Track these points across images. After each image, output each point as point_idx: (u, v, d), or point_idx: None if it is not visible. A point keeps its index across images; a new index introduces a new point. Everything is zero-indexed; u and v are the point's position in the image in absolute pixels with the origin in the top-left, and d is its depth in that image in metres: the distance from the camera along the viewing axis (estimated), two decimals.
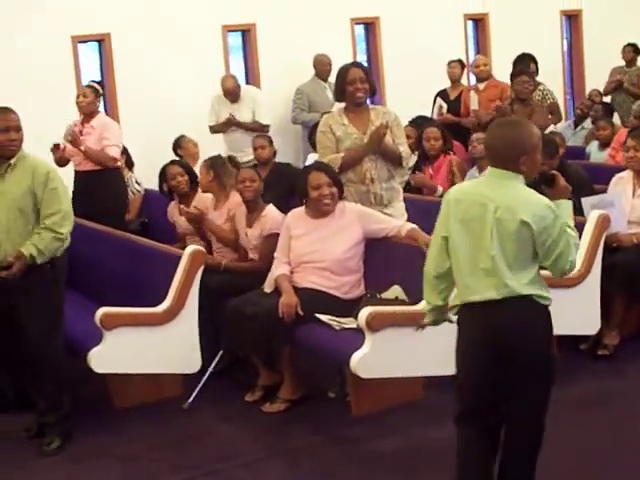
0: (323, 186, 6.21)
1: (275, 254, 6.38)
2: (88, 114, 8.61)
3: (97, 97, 8.73)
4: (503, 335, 4.08)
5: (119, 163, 8.84)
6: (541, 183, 4.25)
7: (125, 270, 6.91)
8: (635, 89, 12.50)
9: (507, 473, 4.31)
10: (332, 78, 11.04)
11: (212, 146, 9.73)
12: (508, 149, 4.10)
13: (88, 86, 8.88)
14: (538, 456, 4.31)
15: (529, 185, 4.14)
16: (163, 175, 7.98)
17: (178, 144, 9.86)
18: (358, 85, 6.57)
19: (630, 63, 12.85)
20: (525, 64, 10.66)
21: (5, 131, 5.58)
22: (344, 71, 6.65)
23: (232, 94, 10.41)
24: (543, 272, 4.17)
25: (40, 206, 5.56)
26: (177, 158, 9.16)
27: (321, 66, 11.58)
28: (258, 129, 10.04)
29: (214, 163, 7.47)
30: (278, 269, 6.27)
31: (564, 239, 4.03)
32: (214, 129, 10.54)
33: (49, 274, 5.62)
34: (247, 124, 10.26)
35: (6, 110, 5.68)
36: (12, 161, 5.61)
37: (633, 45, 12.92)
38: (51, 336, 5.67)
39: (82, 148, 8.39)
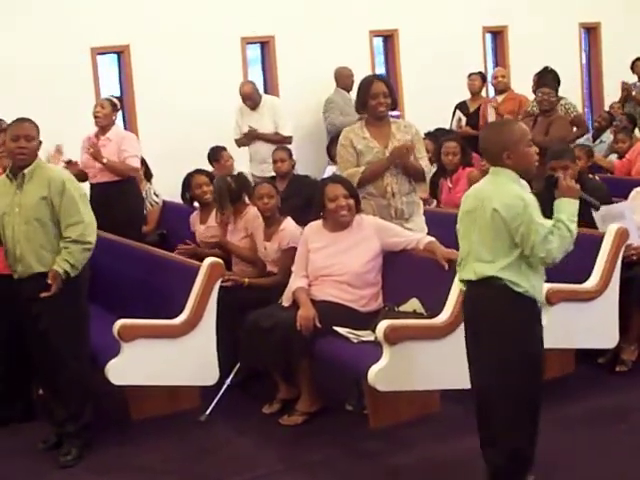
0: (340, 198, 6.22)
1: (292, 267, 6.38)
2: (104, 127, 8.64)
3: (115, 111, 8.76)
4: (471, 311, 4.63)
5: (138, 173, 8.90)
6: (549, 186, 4.60)
7: (143, 282, 6.92)
8: None
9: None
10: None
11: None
12: (491, 147, 4.57)
13: (106, 99, 8.91)
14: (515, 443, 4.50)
15: (538, 191, 4.51)
16: (187, 183, 8.04)
17: (215, 155, 9.73)
18: (381, 99, 6.57)
19: None
20: (546, 78, 10.65)
21: (15, 139, 5.61)
22: (367, 84, 6.65)
23: (250, 99, 10.39)
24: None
25: (59, 216, 5.58)
26: (209, 168, 9.14)
27: (344, 78, 11.62)
28: (280, 141, 10.01)
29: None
30: (296, 282, 6.27)
31: (533, 229, 4.33)
32: (239, 142, 10.53)
33: (73, 284, 5.63)
34: (269, 135, 10.21)
35: (22, 120, 5.73)
36: (26, 171, 5.63)
37: None
38: (76, 346, 5.70)
39: (104, 161, 8.41)
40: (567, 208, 4.48)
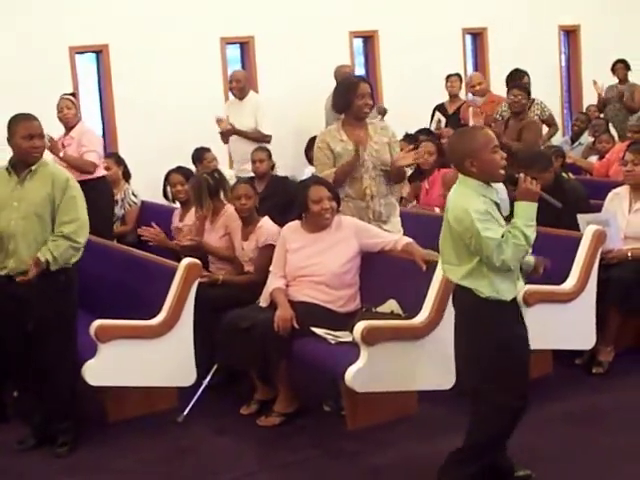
0: (324, 200, 6.22)
1: (270, 268, 6.38)
2: (73, 126, 8.66)
3: (77, 108, 8.80)
4: (455, 308, 4.75)
5: (103, 172, 8.87)
6: (509, 183, 4.70)
7: (121, 282, 6.91)
8: (630, 103, 12.57)
9: None
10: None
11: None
12: (455, 155, 4.62)
13: (67, 99, 8.90)
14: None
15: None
16: (167, 180, 8.09)
17: (199, 156, 9.75)
18: (367, 100, 6.58)
19: (623, 79, 12.95)
20: (516, 78, 10.70)
21: (29, 138, 5.64)
22: (354, 84, 6.67)
23: (239, 87, 10.31)
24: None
25: (57, 213, 5.62)
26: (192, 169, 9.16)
27: (343, 76, 11.57)
28: (259, 139, 9.97)
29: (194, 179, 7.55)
30: (273, 283, 6.27)
31: (483, 243, 4.38)
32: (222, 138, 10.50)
33: (63, 283, 5.67)
34: (248, 132, 10.16)
35: (29, 117, 5.76)
36: (33, 168, 5.67)
37: (623, 61, 13.02)
38: (65, 345, 5.72)
39: (60, 155, 8.44)
40: (525, 212, 4.49)
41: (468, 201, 4.46)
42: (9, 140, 5.73)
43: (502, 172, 4.55)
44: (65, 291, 5.73)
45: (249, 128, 10.07)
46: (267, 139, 9.99)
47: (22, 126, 5.68)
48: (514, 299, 4.63)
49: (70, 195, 5.66)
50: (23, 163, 5.69)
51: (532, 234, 4.48)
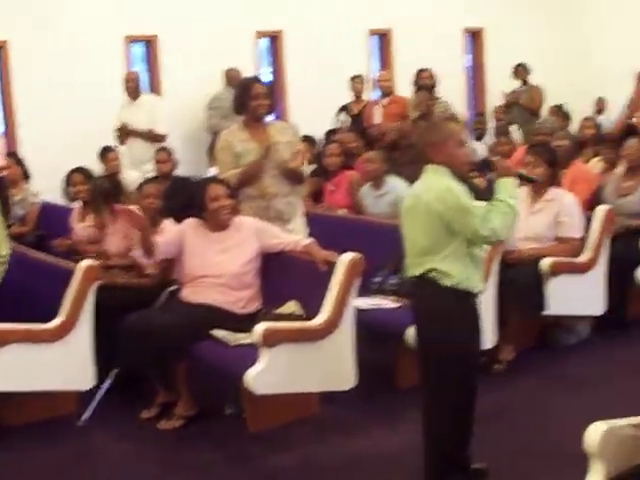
0: (221, 198, 6.20)
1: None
2: None
3: None
4: (415, 307, 4.80)
5: None
6: (484, 169, 4.89)
7: (17, 284, 6.74)
8: (530, 105, 12.77)
9: None
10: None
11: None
12: (422, 146, 4.72)
13: None
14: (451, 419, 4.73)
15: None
16: (68, 180, 7.99)
17: (102, 155, 9.73)
18: (262, 101, 6.58)
19: (524, 82, 13.15)
20: (421, 78, 10.79)
21: None
22: (247, 85, 6.68)
23: (132, 87, 10.25)
24: None
25: None
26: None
27: (232, 80, 11.57)
28: (154, 139, 9.90)
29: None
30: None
31: (469, 212, 4.46)
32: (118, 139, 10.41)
33: None
34: (142, 133, 10.08)
35: None
36: None
37: (524, 65, 13.23)
38: None
39: None
40: (506, 187, 4.62)
41: (446, 182, 4.56)
42: None
43: (466, 166, 4.74)
44: None
45: (144, 128, 10.01)
46: (161, 139, 9.92)
47: None
48: (476, 296, 4.70)
49: None
50: None
51: (517, 205, 4.62)
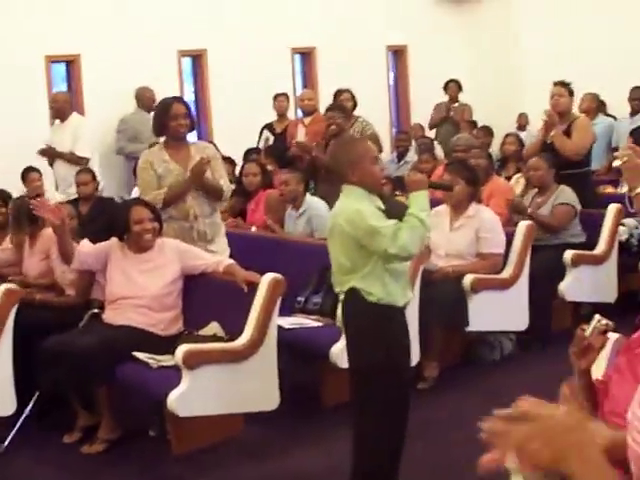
0: (145, 220, 6.17)
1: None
2: None
3: None
4: (343, 322, 4.77)
5: None
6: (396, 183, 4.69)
7: None
8: (461, 122, 12.89)
9: None
10: None
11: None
12: (337, 165, 4.77)
13: None
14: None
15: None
16: None
17: (23, 176, 9.59)
18: (181, 121, 6.56)
19: (454, 99, 13.27)
20: (336, 98, 10.80)
21: None
22: (167, 105, 6.64)
23: (56, 109, 10.18)
24: None
25: None
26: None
27: (144, 99, 11.52)
28: (74, 161, 9.83)
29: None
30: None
31: (377, 232, 4.49)
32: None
33: None
34: (65, 154, 10.00)
35: None
36: None
37: (456, 81, 13.34)
38: None
39: None
40: (417, 200, 4.65)
41: (356, 203, 4.59)
42: None
43: (382, 182, 4.77)
44: None
45: (67, 150, 9.93)
46: (83, 162, 9.81)
47: None
48: (403, 309, 4.73)
49: None
50: None
51: (427, 218, 4.64)
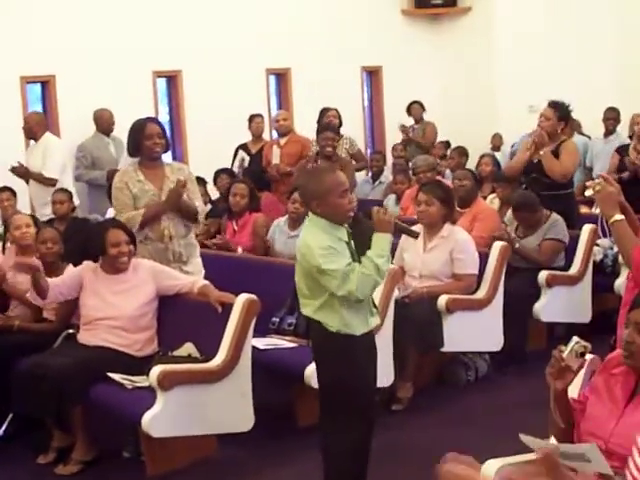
0: (122, 244, 6.17)
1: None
2: None
3: None
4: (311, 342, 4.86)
5: None
6: (365, 217, 4.75)
7: None
8: (420, 140, 13.00)
9: None
10: (115, 132, 11.10)
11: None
12: (304, 195, 4.91)
13: None
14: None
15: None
16: None
17: None
18: (156, 140, 6.56)
19: (418, 119, 13.39)
20: (324, 117, 10.85)
21: None
22: (141, 126, 6.62)
23: (27, 129, 10.18)
24: None
25: None
26: None
27: (102, 121, 11.44)
28: (43, 182, 9.82)
29: None
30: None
31: (326, 275, 4.50)
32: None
33: None
34: (34, 174, 9.99)
35: None
36: None
37: (419, 102, 13.46)
38: None
39: None
40: (378, 242, 4.61)
41: (313, 238, 4.58)
42: None
43: (350, 214, 4.65)
44: None
45: (37, 171, 9.92)
46: (51, 182, 9.78)
47: None
48: (365, 334, 4.72)
49: None
50: None
51: (385, 264, 4.59)
